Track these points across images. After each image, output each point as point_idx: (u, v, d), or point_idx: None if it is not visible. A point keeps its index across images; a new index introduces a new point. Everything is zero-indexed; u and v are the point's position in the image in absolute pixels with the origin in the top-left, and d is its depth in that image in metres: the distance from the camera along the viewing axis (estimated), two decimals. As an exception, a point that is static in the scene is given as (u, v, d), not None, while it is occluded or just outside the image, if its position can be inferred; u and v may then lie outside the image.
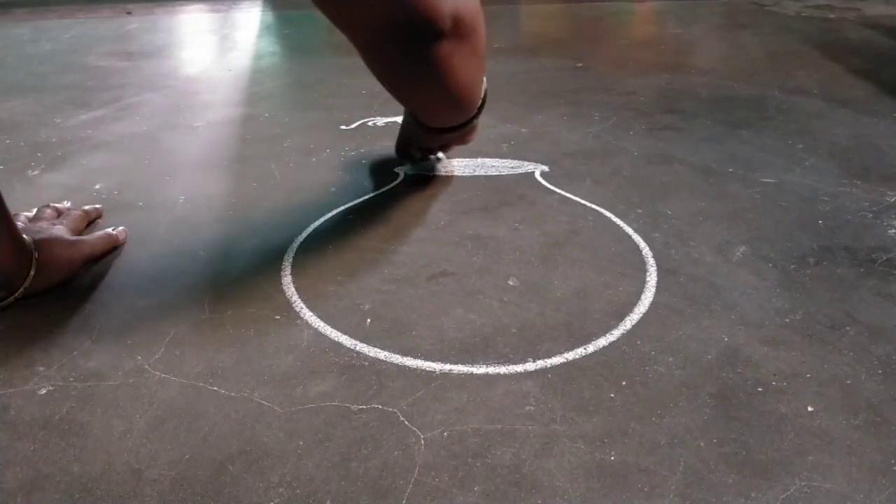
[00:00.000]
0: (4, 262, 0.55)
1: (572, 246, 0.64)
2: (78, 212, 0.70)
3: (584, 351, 0.49)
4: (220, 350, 0.50)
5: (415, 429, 0.43)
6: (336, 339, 0.51)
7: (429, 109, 0.70)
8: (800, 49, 1.40)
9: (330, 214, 0.71)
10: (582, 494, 0.38)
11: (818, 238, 0.64)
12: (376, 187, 0.77)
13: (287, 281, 0.59)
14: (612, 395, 0.45)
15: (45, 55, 1.50)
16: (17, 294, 0.56)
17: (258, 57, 1.47)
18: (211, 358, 0.49)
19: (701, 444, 0.41)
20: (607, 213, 0.70)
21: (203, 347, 0.51)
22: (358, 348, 0.50)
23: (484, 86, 0.72)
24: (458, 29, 0.56)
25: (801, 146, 0.87)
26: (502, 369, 0.48)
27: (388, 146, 0.89)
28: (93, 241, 0.63)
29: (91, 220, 0.71)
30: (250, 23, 1.88)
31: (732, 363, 0.48)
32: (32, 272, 0.57)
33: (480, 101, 0.72)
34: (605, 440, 0.41)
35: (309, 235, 0.67)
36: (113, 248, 0.65)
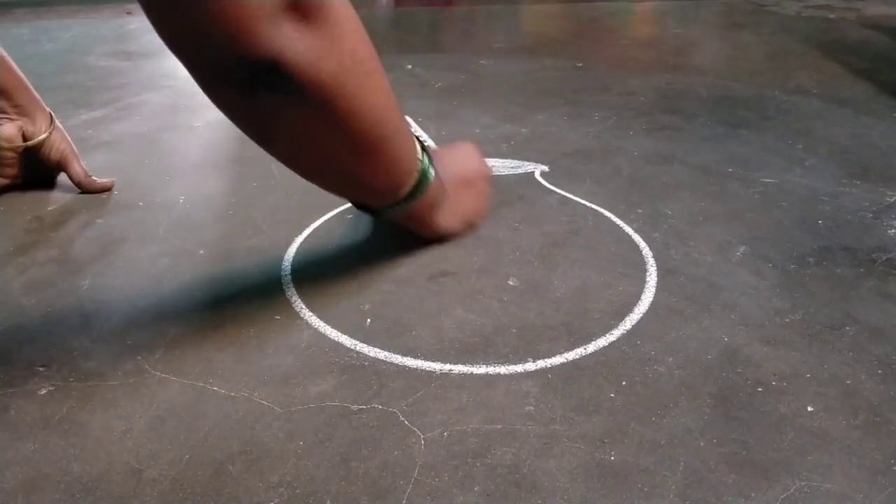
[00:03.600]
0: (37, 109, 0.76)
1: (572, 246, 0.64)
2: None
3: (584, 351, 0.49)
4: (220, 350, 0.50)
5: (415, 429, 0.43)
6: (336, 339, 0.51)
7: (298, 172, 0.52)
8: (800, 49, 1.40)
9: (330, 214, 0.71)
10: (582, 494, 0.38)
11: (818, 238, 0.64)
12: (376, 187, 0.77)
13: (287, 280, 0.59)
14: (612, 395, 0.45)
15: (45, 55, 1.50)
16: (30, 142, 0.75)
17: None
18: (211, 358, 0.49)
19: (701, 444, 0.41)
20: (607, 213, 0.70)
21: (203, 347, 0.51)
22: (358, 348, 0.50)
23: (418, 164, 0.54)
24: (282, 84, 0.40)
25: (801, 146, 0.87)
26: (502, 369, 0.48)
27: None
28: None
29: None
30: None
31: (732, 363, 0.48)
32: (52, 130, 0.76)
33: (400, 192, 0.54)
34: (605, 440, 0.41)
35: (309, 235, 0.67)
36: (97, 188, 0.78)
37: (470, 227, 0.66)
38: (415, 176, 0.54)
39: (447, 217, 0.62)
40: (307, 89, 0.42)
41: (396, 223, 0.60)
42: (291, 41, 0.40)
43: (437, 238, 0.63)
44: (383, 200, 0.55)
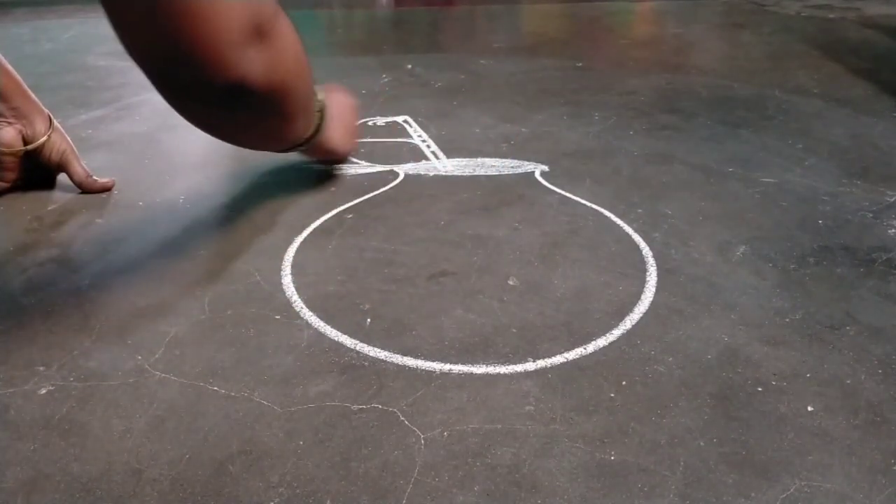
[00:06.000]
0: (35, 112, 0.75)
1: (572, 246, 0.64)
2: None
3: (584, 351, 0.49)
4: (220, 350, 0.50)
5: (415, 429, 0.43)
6: (336, 339, 0.51)
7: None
8: (800, 49, 1.40)
9: (330, 214, 0.71)
10: (582, 494, 0.38)
11: (818, 238, 0.64)
12: (376, 187, 0.77)
13: (287, 281, 0.59)
14: (612, 394, 0.45)
15: (45, 55, 1.50)
16: (30, 146, 0.74)
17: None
18: (211, 358, 0.49)
19: (701, 444, 0.41)
20: (607, 213, 0.70)
21: (203, 347, 0.51)
22: (358, 348, 0.50)
23: (318, 104, 0.65)
24: (247, 99, 0.46)
25: (801, 146, 0.87)
26: (502, 369, 0.48)
27: (388, 145, 0.89)
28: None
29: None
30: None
31: (732, 363, 0.48)
32: (51, 132, 0.76)
33: (309, 132, 0.65)
34: (605, 440, 0.41)
35: (309, 235, 0.67)
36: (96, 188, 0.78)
37: (354, 141, 0.81)
38: (318, 115, 0.65)
39: (340, 135, 0.74)
40: (263, 97, 0.47)
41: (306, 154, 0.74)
42: (253, 62, 0.44)
43: (336, 158, 0.79)
44: (299, 142, 0.65)
